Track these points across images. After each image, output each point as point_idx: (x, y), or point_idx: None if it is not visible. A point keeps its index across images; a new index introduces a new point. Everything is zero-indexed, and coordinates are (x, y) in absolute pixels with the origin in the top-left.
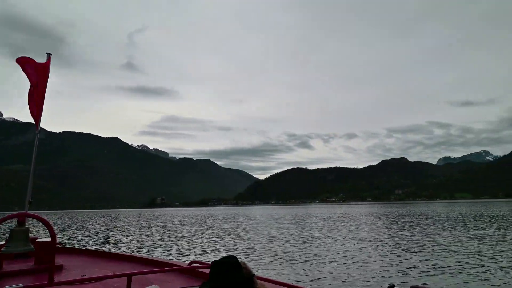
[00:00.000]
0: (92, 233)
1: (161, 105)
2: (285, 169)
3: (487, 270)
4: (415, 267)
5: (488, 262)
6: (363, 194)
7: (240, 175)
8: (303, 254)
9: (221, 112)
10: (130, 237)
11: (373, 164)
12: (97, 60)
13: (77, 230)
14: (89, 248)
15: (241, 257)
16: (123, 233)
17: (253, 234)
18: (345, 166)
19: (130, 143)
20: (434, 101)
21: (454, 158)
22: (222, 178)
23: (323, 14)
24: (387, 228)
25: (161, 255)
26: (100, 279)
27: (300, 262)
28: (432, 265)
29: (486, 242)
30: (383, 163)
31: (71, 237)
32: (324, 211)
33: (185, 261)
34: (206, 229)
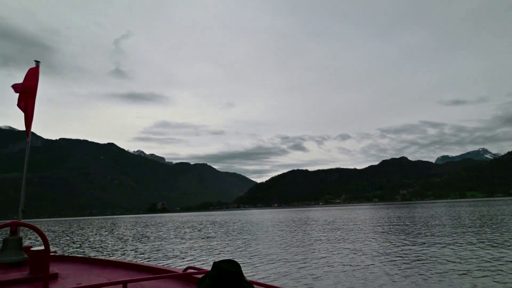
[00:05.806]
0: (88, 240)
1: (152, 111)
2: (282, 171)
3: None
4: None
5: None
6: (366, 194)
7: (237, 178)
8: (301, 259)
9: (212, 116)
10: (127, 244)
11: (374, 164)
12: (86, 67)
13: (72, 238)
14: (85, 256)
15: (239, 260)
16: (120, 240)
17: (259, 239)
18: (344, 167)
19: (126, 149)
20: (424, 100)
21: (453, 157)
22: (220, 181)
23: (305, 18)
24: (393, 233)
25: (157, 262)
26: (95, 287)
27: (296, 267)
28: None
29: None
30: (384, 163)
31: (67, 245)
32: (330, 214)
33: (180, 266)
34: (209, 234)
